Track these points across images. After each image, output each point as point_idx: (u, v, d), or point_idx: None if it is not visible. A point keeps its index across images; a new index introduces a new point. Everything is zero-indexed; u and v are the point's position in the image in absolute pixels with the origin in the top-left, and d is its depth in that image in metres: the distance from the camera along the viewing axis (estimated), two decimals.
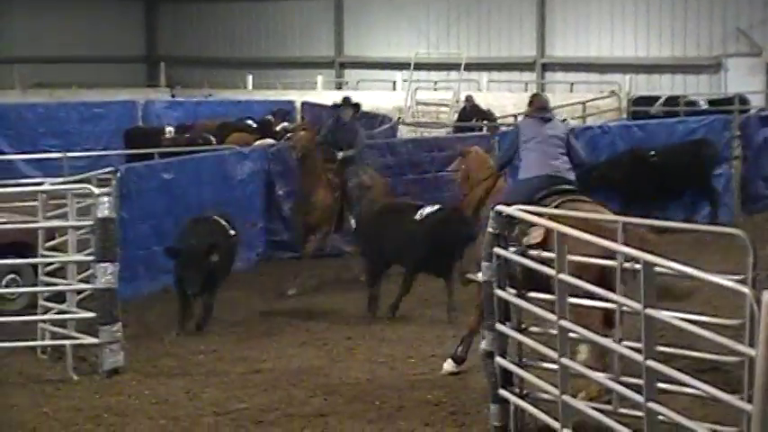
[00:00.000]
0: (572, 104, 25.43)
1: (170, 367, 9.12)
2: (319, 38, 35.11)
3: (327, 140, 12.62)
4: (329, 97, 28.22)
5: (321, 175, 12.27)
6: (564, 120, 22.62)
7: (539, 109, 8.62)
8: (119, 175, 11.64)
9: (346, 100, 13.08)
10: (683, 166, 15.07)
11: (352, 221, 12.25)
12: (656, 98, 25.95)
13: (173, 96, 28.51)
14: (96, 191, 9.09)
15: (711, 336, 5.15)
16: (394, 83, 31.72)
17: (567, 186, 8.04)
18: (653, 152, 15.13)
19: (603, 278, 6.39)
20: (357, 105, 13.03)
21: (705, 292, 9.94)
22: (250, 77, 32.08)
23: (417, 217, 10.74)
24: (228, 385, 8.55)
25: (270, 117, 20.22)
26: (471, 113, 23.09)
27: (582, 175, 8.85)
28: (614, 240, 5.93)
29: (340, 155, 12.45)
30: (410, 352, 9.40)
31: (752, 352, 4.83)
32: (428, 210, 10.77)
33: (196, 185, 12.86)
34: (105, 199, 8.89)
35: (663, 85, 28.97)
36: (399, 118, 22.61)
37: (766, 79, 28.07)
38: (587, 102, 25.43)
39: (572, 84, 30.01)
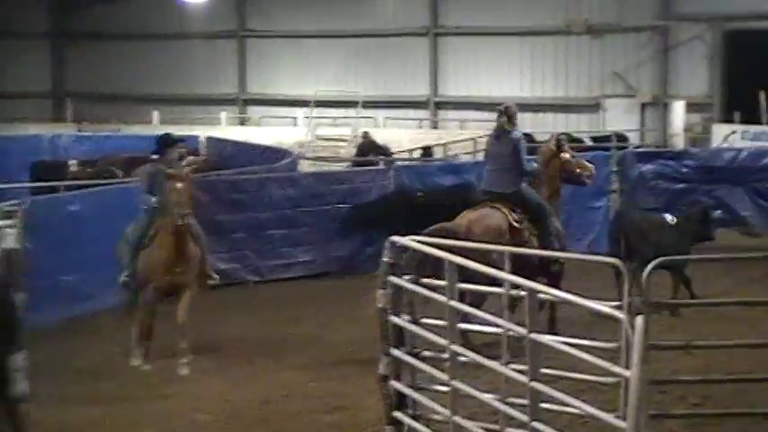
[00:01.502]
0: (463, 141, 25.75)
1: (76, 395, 8.92)
2: (225, 76, 34.88)
3: (148, 190, 10.07)
4: (232, 132, 28.21)
5: (187, 227, 9.85)
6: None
7: (500, 120, 9.93)
8: (24, 207, 11.35)
9: (168, 139, 10.35)
10: (448, 208, 14.93)
11: (214, 275, 10.36)
12: (528, 134, 26.52)
13: (79, 131, 27.98)
14: (1, 223, 8.87)
15: (591, 358, 5.26)
16: (295, 119, 31.69)
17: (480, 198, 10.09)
18: (420, 192, 15.12)
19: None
20: (179, 142, 10.76)
21: (586, 317, 10.24)
22: (156, 113, 31.72)
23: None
24: (133, 413, 8.37)
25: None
26: (368, 148, 23.19)
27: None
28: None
29: None
30: (310, 376, 9.35)
31: (626, 373, 4.95)
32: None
33: (102, 217, 12.60)
34: (10, 231, 8.69)
35: (547, 123, 29.56)
36: (300, 152, 22.56)
37: (640, 118, 28.99)
38: (478, 138, 25.75)
39: (463, 121, 30.42)
